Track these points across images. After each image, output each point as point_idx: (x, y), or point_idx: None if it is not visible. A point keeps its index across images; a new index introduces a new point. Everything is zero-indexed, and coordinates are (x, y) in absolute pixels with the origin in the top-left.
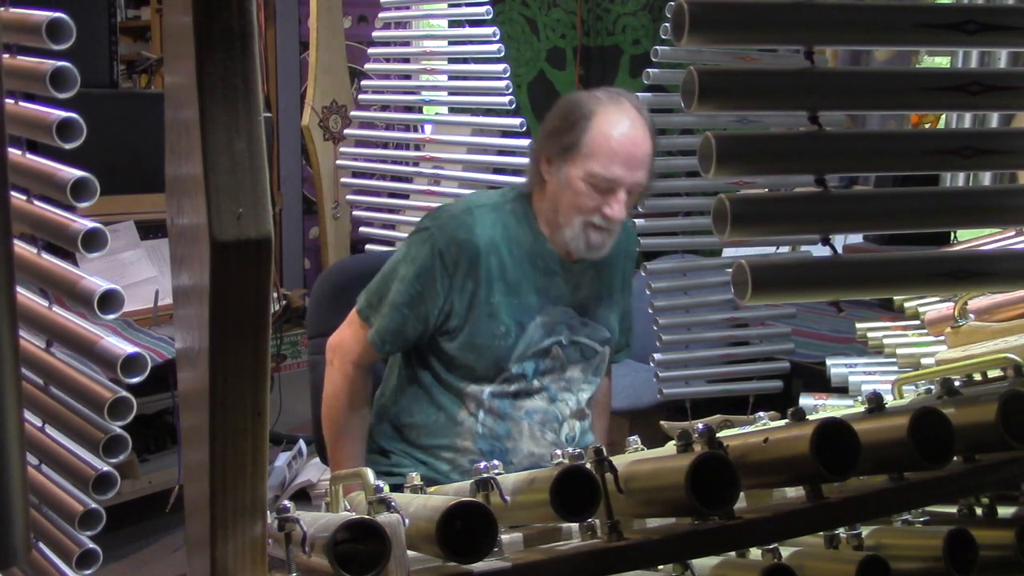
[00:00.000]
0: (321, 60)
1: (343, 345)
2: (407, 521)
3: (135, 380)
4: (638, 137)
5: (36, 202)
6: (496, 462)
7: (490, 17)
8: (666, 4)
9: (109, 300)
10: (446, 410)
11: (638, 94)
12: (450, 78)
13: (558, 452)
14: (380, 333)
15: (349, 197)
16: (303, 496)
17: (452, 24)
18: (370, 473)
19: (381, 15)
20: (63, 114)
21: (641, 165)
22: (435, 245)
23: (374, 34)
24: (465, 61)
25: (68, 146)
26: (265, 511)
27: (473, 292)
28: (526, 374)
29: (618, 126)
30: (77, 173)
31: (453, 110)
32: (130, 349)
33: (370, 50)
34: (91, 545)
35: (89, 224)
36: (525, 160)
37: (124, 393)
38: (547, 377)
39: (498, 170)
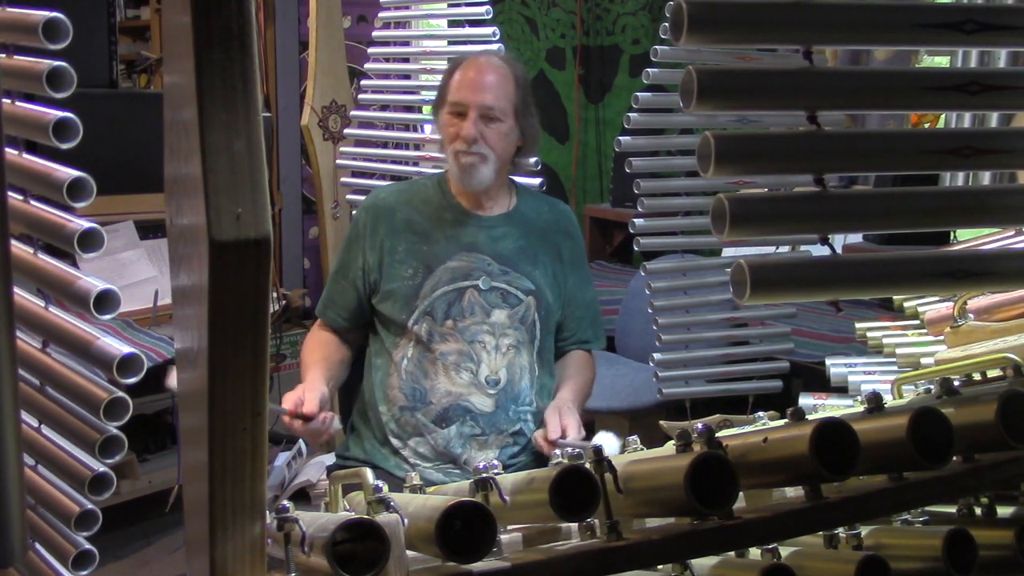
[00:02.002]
0: (320, 60)
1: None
2: (406, 521)
3: (131, 380)
4: (487, 69)
5: (33, 202)
6: (495, 461)
7: (490, 17)
8: (665, 4)
9: (105, 300)
10: (382, 370)
11: (637, 94)
12: None
13: (557, 452)
14: (322, 302)
15: (349, 197)
16: (302, 496)
17: (452, 24)
18: (369, 473)
19: (381, 15)
20: (59, 114)
21: (486, 89)
22: (355, 218)
23: (374, 34)
24: None
25: (64, 146)
26: (264, 511)
27: (382, 245)
28: (435, 314)
29: (470, 65)
30: (73, 173)
31: None
32: (126, 349)
33: (370, 50)
34: (87, 546)
35: (85, 224)
36: (526, 160)
37: (120, 393)
38: (465, 321)
39: None
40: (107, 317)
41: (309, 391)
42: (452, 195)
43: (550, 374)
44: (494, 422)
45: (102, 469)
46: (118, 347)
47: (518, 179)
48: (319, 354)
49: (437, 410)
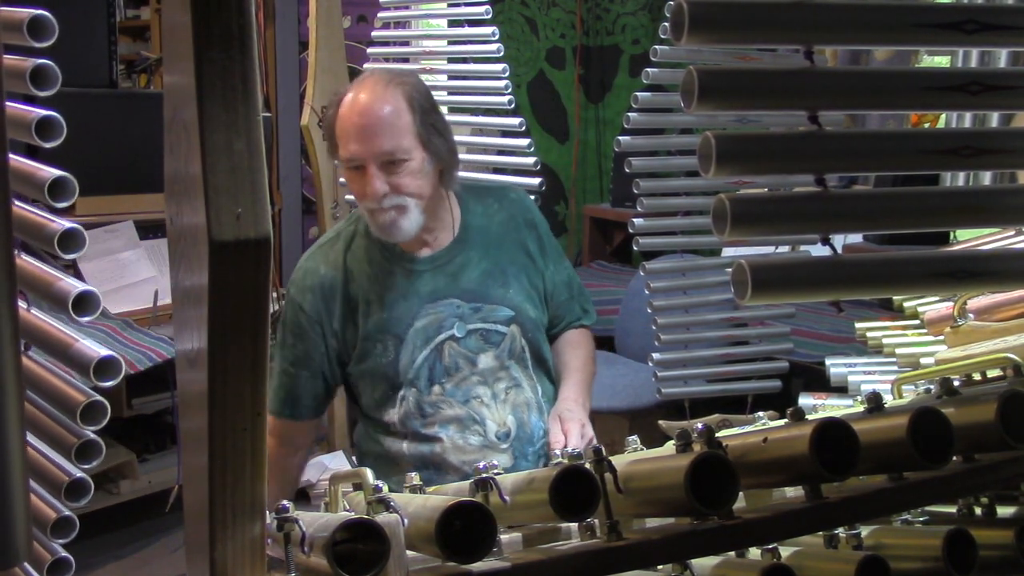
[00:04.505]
0: (320, 60)
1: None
2: (406, 521)
3: (109, 384)
4: (368, 106)
5: (17, 203)
6: (495, 462)
7: (490, 17)
8: (665, 4)
9: (85, 302)
10: (380, 444)
11: (637, 94)
12: (450, 78)
13: (557, 452)
14: (281, 401)
15: (349, 197)
16: (302, 496)
17: (452, 24)
18: (369, 473)
19: (380, 15)
20: (43, 112)
21: (376, 133)
22: (294, 303)
23: (373, 34)
24: (465, 61)
25: (48, 145)
26: (264, 511)
27: (343, 329)
28: (419, 384)
29: (350, 105)
30: (56, 172)
31: (452, 110)
32: (104, 352)
33: (370, 50)
34: (63, 553)
35: (66, 224)
36: (525, 160)
37: (97, 397)
38: (452, 379)
39: (498, 170)
40: (86, 319)
41: None
42: (392, 243)
43: (551, 380)
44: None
45: (79, 474)
46: (96, 350)
47: (513, 179)
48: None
49: (455, 480)
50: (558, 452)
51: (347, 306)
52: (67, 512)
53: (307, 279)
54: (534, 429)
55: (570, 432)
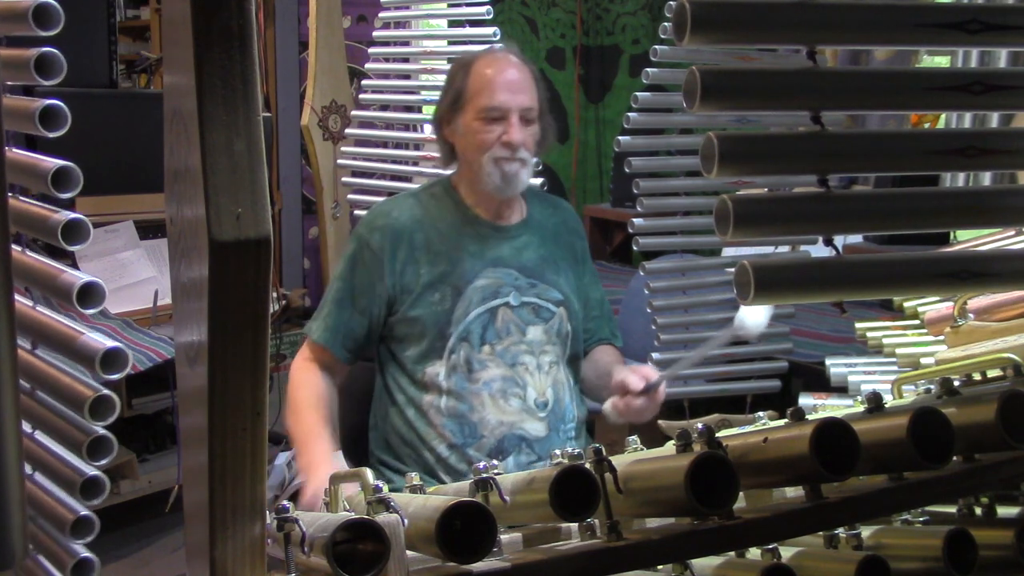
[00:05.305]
0: (320, 60)
1: (300, 352)
2: (406, 521)
3: (116, 376)
4: (513, 68)
5: (21, 197)
6: (495, 462)
7: (490, 17)
8: (665, 4)
9: (90, 293)
10: (414, 403)
11: (637, 94)
12: None
13: (557, 452)
14: (328, 330)
15: (349, 197)
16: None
17: (452, 24)
18: (369, 473)
19: (381, 15)
20: (46, 101)
21: (522, 89)
22: (360, 238)
23: (374, 34)
24: None
25: (52, 134)
26: (264, 511)
27: (404, 271)
28: (471, 340)
29: (492, 64)
30: (58, 162)
31: None
32: (110, 343)
33: (370, 50)
34: (86, 554)
35: (70, 215)
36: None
37: (105, 391)
38: (503, 343)
39: None
40: (92, 311)
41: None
42: (468, 206)
43: (577, 379)
44: (548, 447)
45: (93, 472)
46: (101, 341)
47: None
48: (322, 412)
49: (491, 443)
50: (558, 452)
51: (411, 251)
52: (85, 512)
53: (378, 219)
54: (567, 408)
55: (648, 374)
